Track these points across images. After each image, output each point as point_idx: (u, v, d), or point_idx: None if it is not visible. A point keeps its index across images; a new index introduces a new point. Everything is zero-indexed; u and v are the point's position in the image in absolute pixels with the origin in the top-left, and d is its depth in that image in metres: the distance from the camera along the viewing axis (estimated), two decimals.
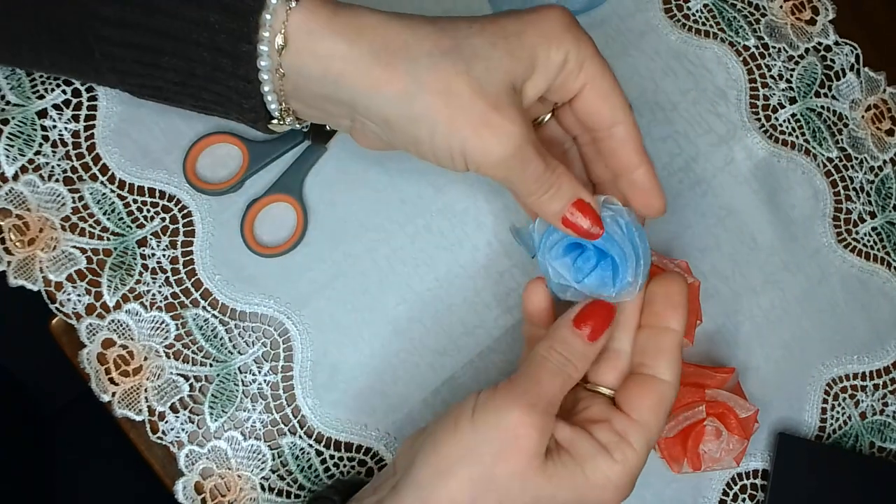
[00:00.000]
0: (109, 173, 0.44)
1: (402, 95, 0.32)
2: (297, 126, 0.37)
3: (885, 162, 0.52)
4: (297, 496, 0.43)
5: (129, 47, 0.33)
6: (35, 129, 0.44)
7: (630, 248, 0.35)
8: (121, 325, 0.43)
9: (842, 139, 0.52)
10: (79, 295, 0.43)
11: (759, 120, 0.51)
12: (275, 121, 0.36)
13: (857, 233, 0.51)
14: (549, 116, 0.39)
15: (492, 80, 0.32)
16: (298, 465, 0.43)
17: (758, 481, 0.47)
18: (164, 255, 0.44)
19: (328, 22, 0.32)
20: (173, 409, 0.43)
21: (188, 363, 0.43)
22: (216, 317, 0.44)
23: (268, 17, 0.32)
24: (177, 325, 0.43)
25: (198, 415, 0.43)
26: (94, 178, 0.44)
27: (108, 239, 0.43)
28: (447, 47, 0.32)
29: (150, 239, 0.44)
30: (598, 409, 0.35)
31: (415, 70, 0.31)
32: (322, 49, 0.32)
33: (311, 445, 0.44)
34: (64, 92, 0.44)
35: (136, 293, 0.43)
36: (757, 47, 0.51)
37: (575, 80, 0.34)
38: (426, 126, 0.32)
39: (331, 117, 0.35)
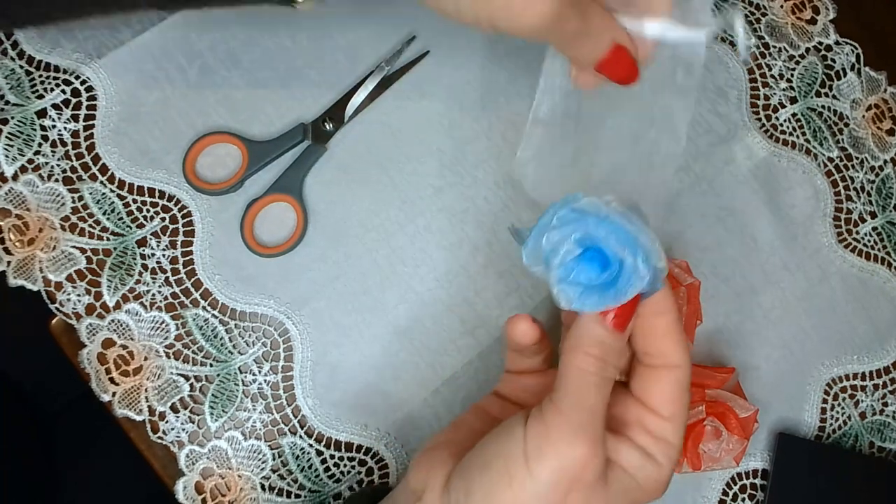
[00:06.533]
0: (109, 173, 0.44)
1: None
2: None
3: (885, 162, 0.52)
4: (297, 496, 0.43)
5: None
6: (34, 129, 0.44)
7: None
8: (121, 325, 0.43)
9: (842, 139, 0.51)
10: (79, 295, 0.43)
11: (759, 119, 0.51)
12: None
13: (857, 233, 0.51)
14: None
15: None
16: (299, 465, 0.43)
17: (757, 481, 0.47)
18: (163, 255, 0.44)
19: None
20: (173, 408, 0.43)
21: (188, 363, 0.43)
22: (216, 317, 0.44)
23: None
24: (177, 325, 0.43)
25: (198, 415, 0.43)
26: (93, 177, 0.44)
27: (108, 239, 0.43)
28: None
29: (150, 239, 0.44)
30: (623, 407, 0.33)
31: None
32: None
33: (311, 445, 0.44)
34: (63, 92, 0.44)
35: (136, 293, 0.43)
36: (757, 46, 0.51)
37: None
38: None
39: None
